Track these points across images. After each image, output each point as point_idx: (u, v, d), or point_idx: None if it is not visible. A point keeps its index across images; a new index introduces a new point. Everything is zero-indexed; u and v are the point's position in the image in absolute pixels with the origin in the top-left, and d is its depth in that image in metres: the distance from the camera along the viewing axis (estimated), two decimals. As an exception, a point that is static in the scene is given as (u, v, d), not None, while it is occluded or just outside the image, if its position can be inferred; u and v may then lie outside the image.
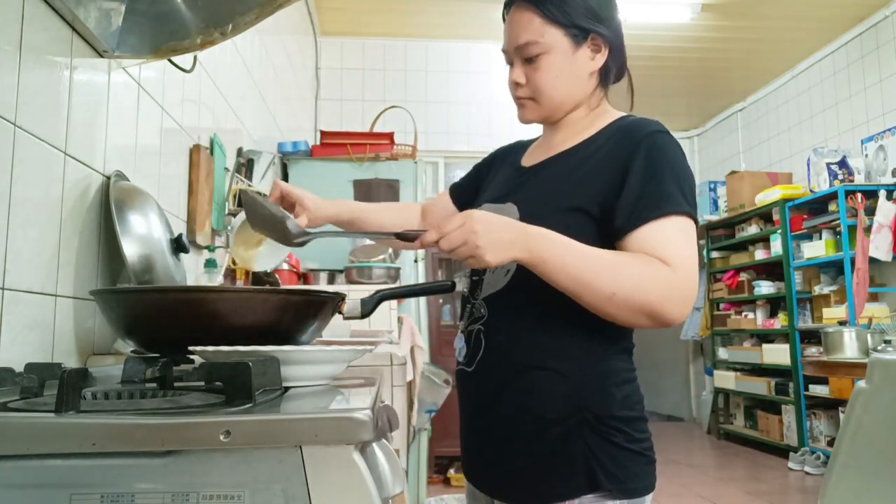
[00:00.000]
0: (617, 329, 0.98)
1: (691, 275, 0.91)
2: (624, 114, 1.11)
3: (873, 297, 4.42)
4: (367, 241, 2.91)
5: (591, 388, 0.96)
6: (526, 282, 0.97)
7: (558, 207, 1.00)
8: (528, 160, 1.16)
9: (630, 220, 0.94)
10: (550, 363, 0.98)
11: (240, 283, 2.08)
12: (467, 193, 1.28)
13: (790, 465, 4.61)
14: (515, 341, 1.01)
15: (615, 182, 0.97)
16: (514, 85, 1.08)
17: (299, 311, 1.02)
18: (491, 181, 1.21)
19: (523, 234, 0.90)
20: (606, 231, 0.97)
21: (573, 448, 0.95)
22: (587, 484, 0.94)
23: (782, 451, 4.92)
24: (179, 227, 1.83)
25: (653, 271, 0.90)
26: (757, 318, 5.42)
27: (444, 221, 0.90)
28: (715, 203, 6.12)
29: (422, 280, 3.48)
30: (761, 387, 5.22)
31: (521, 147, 1.23)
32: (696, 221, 0.96)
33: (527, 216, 0.99)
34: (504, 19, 1.09)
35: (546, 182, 1.06)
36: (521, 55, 1.05)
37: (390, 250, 2.87)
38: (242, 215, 1.18)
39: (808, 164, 4.95)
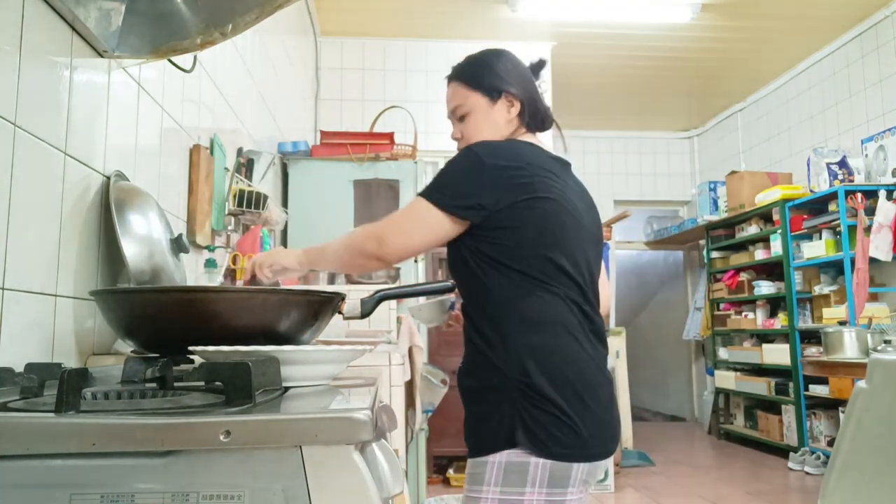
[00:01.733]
0: (534, 304, 1.17)
1: (382, 224, 1.24)
2: (517, 141, 1.35)
3: (873, 297, 4.42)
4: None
5: (513, 359, 1.14)
6: (465, 299, 1.27)
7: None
8: None
9: None
10: (477, 344, 1.20)
11: (240, 283, 2.08)
12: None
13: (790, 465, 4.61)
14: (465, 341, 1.26)
15: None
16: (454, 139, 1.39)
17: (299, 311, 1.02)
18: None
19: (288, 251, 1.35)
20: None
21: (502, 409, 1.13)
22: (509, 439, 1.11)
23: (782, 451, 4.92)
24: (179, 227, 1.83)
25: (355, 232, 1.28)
26: (757, 318, 5.42)
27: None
28: (715, 203, 6.12)
29: (422, 280, 3.48)
30: (761, 387, 5.22)
31: None
32: (435, 203, 1.20)
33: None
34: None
35: None
36: (455, 116, 1.37)
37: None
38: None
39: (808, 164, 4.95)
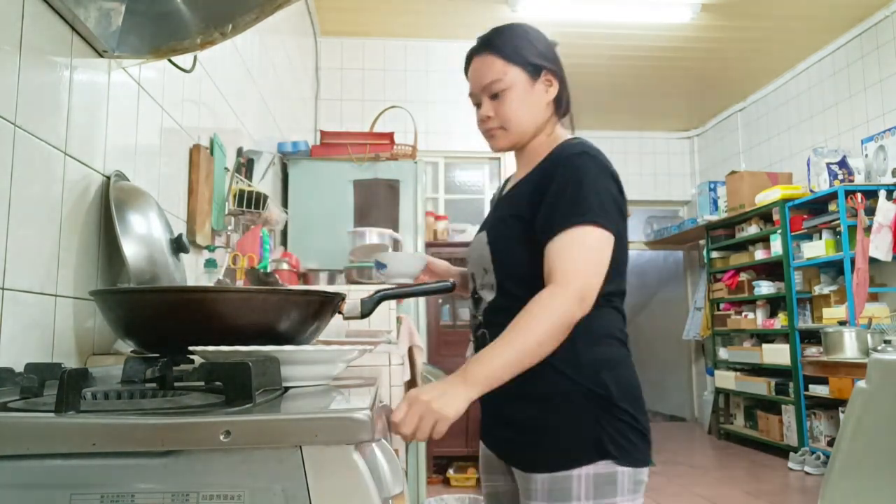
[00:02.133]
0: (602, 321, 1.14)
1: (573, 278, 1.06)
2: (569, 137, 1.26)
3: (873, 297, 4.42)
4: (367, 242, 2.92)
5: (589, 373, 1.11)
6: (506, 292, 1.18)
7: (509, 224, 1.20)
8: (507, 189, 1.34)
9: (542, 237, 1.12)
10: (548, 359, 1.07)
11: (240, 283, 2.08)
12: None
13: (790, 465, 4.61)
14: None
15: (537, 199, 1.15)
16: (485, 119, 1.25)
17: (299, 311, 1.02)
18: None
19: (461, 377, 1.02)
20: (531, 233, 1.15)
21: (582, 422, 1.09)
22: (597, 451, 1.08)
23: (782, 451, 4.92)
24: (179, 227, 1.83)
25: (541, 305, 1.05)
26: (757, 318, 5.42)
27: (394, 413, 0.97)
28: (715, 203, 6.12)
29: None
30: (761, 387, 5.22)
31: (508, 180, 1.40)
32: (600, 224, 1.09)
33: (491, 240, 1.22)
34: (466, 71, 1.27)
35: (506, 207, 1.25)
36: (487, 93, 1.23)
37: (390, 250, 2.87)
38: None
39: (808, 164, 4.95)
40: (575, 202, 1.10)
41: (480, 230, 1.30)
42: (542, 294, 1.06)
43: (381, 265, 1.38)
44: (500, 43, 1.22)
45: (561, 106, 1.26)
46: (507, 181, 1.40)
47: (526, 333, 1.03)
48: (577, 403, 1.10)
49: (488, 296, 1.22)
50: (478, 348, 1.23)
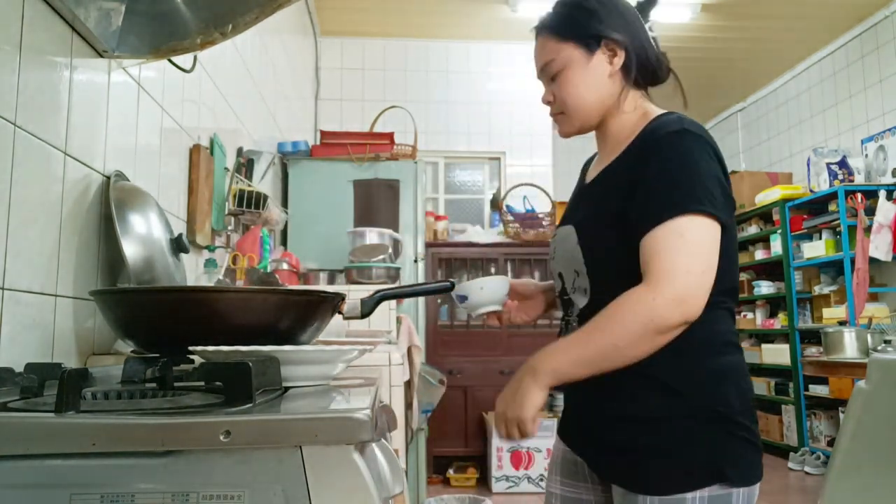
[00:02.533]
0: (716, 327, 1.03)
1: (669, 278, 0.94)
2: (661, 112, 1.13)
3: (873, 297, 4.42)
4: (367, 242, 2.92)
5: (706, 389, 1.00)
6: (602, 294, 1.04)
7: (605, 222, 1.06)
8: (590, 175, 1.20)
9: (639, 231, 0.99)
10: (654, 372, 1.00)
11: (240, 284, 2.08)
12: None
13: (790, 465, 4.61)
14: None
15: (630, 188, 1.02)
16: (547, 104, 1.16)
17: (299, 311, 1.02)
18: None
19: (531, 371, 0.99)
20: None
21: (698, 443, 0.99)
22: (714, 475, 0.98)
23: (782, 451, 4.92)
24: (179, 227, 1.83)
25: (622, 306, 0.96)
26: (757, 318, 5.42)
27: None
28: (715, 203, 6.12)
29: (421, 280, 3.48)
30: (761, 387, 5.22)
31: (591, 161, 1.26)
32: (707, 213, 0.96)
33: (582, 239, 1.08)
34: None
35: (596, 198, 1.12)
36: (545, 76, 1.14)
37: (390, 250, 2.87)
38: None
39: (808, 164, 4.95)
40: (675, 188, 0.97)
41: (564, 222, 1.16)
42: (628, 293, 0.95)
43: (462, 298, 1.22)
44: (552, 21, 1.13)
45: (632, 72, 1.11)
46: (587, 164, 1.25)
47: (601, 334, 0.96)
48: (693, 423, 0.99)
49: (581, 300, 1.10)
50: None
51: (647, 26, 1.13)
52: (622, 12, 1.11)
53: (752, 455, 1.01)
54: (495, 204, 4.86)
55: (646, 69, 1.13)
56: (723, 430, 0.99)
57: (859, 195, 4.41)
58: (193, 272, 1.90)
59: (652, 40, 1.13)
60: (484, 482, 4.10)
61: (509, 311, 1.23)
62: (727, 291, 1.05)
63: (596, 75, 1.10)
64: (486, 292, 1.21)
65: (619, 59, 1.10)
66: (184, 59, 1.68)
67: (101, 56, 1.34)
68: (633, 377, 0.99)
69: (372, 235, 2.96)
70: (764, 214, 5.37)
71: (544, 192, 4.63)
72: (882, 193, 4.31)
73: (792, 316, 4.94)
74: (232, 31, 1.33)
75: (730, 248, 1.02)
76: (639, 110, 1.14)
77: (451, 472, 4.16)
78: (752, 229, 5.48)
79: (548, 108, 1.17)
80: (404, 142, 3.65)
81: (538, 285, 1.29)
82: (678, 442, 0.99)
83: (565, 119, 1.14)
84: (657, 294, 0.93)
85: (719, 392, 1.00)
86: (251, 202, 2.30)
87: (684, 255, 0.95)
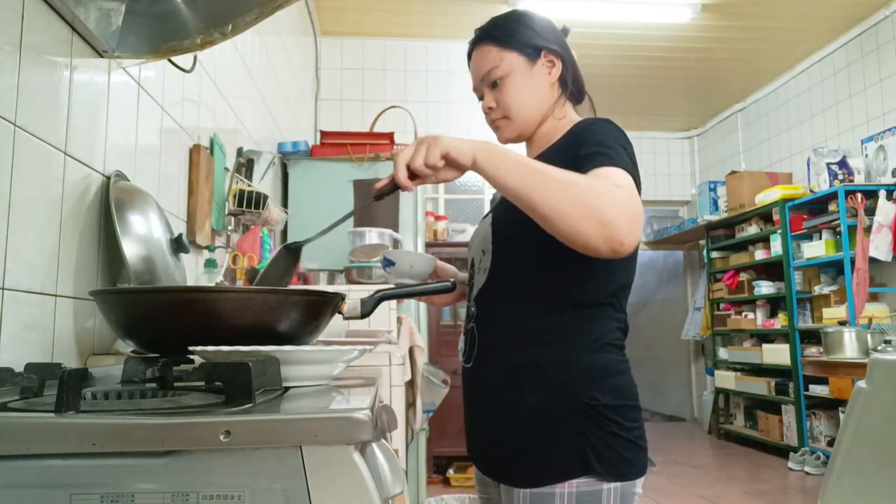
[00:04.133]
0: (599, 326, 1.07)
1: (637, 201, 0.95)
2: (585, 118, 1.19)
3: (873, 297, 4.42)
4: (367, 242, 2.92)
5: (579, 382, 1.04)
6: (499, 274, 1.10)
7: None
8: None
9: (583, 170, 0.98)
10: (539, 360, 1.06)
11: (240, 284, 2.08)
12: None
13: (790, 465, 4.61)
14: (503, 339, 1.10)
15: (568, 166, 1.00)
16: (488, 111, 1.20)
17: (299, 311, 1.02)
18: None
19: (475, 143, 0.98)
20: None
21: (567, 435, 1.02)
22: (580, 466, 1.02)
23: (782, 451, 4.92)
24: (179, 227, 1.83)
25: (601, 183, 0.93)
26: (757, 318, 5.42)
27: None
28: (715, 203, 6.12)
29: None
30: (761, 387, 5.22)
31: None
32: (636, 180, 1.00)
33: (495, 218, 1.15)
34: (469, 66, 1.23)
35: None
36: (487, 83, 1.19)
37: (390, 250, 2.87)
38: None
39: (808, 164, 4.95)
40: (606, 153, 0.99)
41: (483, 218, 1.24)
42: (604, 178, 0.95)
43: (388, 262, 1.29)
44: (494, 30, 1.18)
45: (567, 87, 1.18)
46: None
47: (560, 173, 0.93)
48: (564, 415, 1.03)
49: (481, 280, 1.15)
50: (468, 344, 1.17)
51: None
52: (555, 31, 1.20)
53: (624, 450, 1.03)
54: (495, 204, 4.85)
55: (576, 83, 1.21)
56: (592, 424, 1.02)
57: (859, 195, 4.41)
58: (193, 272, 1.90)
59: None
60: (484, 482, 4.10)
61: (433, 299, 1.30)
62: (617, 291, 1.09)
63: (537, 83, 1.17)
64: (414, 268, 1.28)
65: (557, 71, 1.18)
66: (184, 59, 1.68)
67: (101, 56, 1.34)
68: (525, 369, 1.05)
69: (372, 235, 2.96)
70: (764, 214, 5.37)
71: (544, 192, 4.62)
72: (882, 193, 4.32)
73: (792, 316, 4.94)
74: (232, 31, 1.33)
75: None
76: (567, 118, 1.21)
77: (451, 472, 4.16)
78: (752, 229, 5.48)
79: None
80: (404, 142, 3.64)
81: (457, 274, 1.36)
82: (549, 435, 1.03)
83: (507, 124, 1.19)
84: (625, 199, 0.92)
85: (590, 387, 1.03)
86: (251, 202, 2.30)
87: (635, 191, 0.96)
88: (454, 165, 0.98)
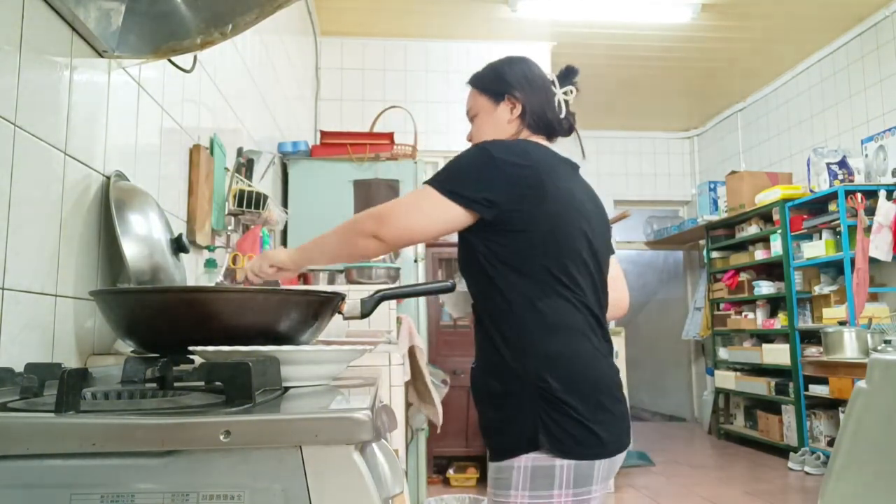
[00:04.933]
0: (551, 311, 1.19)
1: (390, 206, 1.23)
2: (527, 140, 1.38)
3: (873, 297, 4.42)
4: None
5: (530, 367, 1.17)
6: (476, 300, 1.29)
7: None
8: None
9: None
10: (492, 348, 1.22)
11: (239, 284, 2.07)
12: None
13: (790, 465, 4.61)
14: (478, 342, 1.29)
15: None
16: (468, 140, 1.43)
17: (299, 311, 1.02)
18: None
19: (291, 249, 1.36)
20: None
21: (524, 414, 1.15)
22: (530, 443, 1.14)
23: (782, 451, 4.92)
24: (179, 227, 1.83)
25: (358, 214, 1.27)
26: (757, 318, 5.42)
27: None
28: (715, 203, 6.12)
29: (422, 280, 3.48)
30: (761, 387, 5.22)
31: None
32: (441, 191, 1.21)
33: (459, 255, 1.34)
34: None
35: None
36: (469, 117, 1.46)
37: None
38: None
39: (808, 164, 4.95)
40: (437, 172, 1.25)
41: None
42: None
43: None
44: (476, 78, 1.46)
45: (528, 120, 1.38)
46: None
47: (333, 231, 1.30)
48: (523, 397, 1.16)
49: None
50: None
51: (565, 90, 1.40)
52: (530, 80, 1.40)
53: (575, 431, 1.13)
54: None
55: (540, 122, 1.38)
56: (545, 405, 1.14)
57: (859, 195, 4.41)
58: (193, 272, 1.90)
59: (558, 103, 1.39)
60: (484, 482, 4.10)
61: None
62: (559, 280, 1.20)
63: (498, 120, 1.39)
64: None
65: (517, 111, 1.38)
66: (184, 59, 1.68)
67: (101, 56, 1.34)
68: (489, 357, 1.22)
69: (372, 235, 2.95)
70: (764, 214, 5.36)
71: (544, 192, 4.61)
72: (882, 193, 4.32)
73: (792, 316, 4.94)
74: (232, 31, 1.33)
75: (552, 234, 1.20)
76: None
77: (451, 472, 4.16)
78: (752, 229, 5.48)
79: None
80: (404, 142, 3.65)
81: None
82: (512, 413, 1.17)
83: None
84: (372, 209, 1.24)
85: (544, 372, 1.15)
86: (251, 202, 2.30)
87: (403, 199, 1.25)
88: (284, 269, 1.33)
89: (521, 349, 1.18)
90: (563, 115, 1.40)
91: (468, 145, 1.33)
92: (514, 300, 1.19)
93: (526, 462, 1.14)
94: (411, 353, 2.64)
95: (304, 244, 1.34)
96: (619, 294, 1.41)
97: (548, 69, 1.56)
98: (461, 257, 1.29)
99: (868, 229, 4.27)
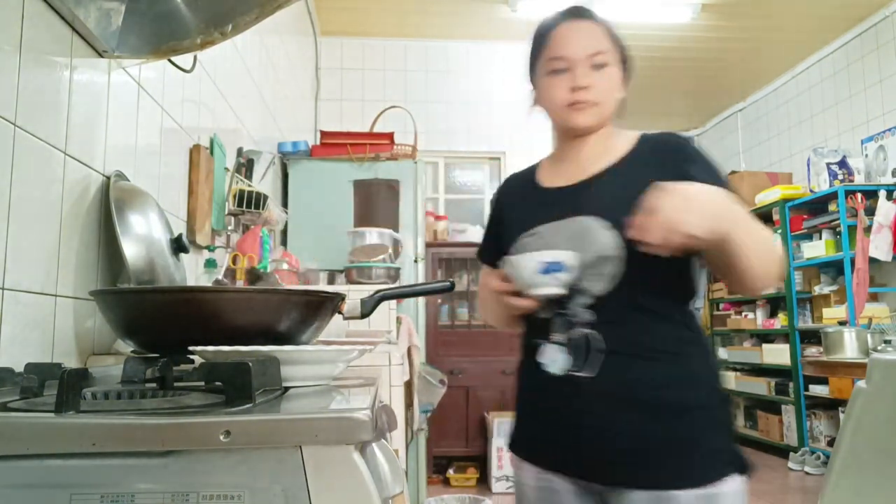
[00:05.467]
0: (699, 330, 1.14)
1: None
2: (635, 132, 1.21)
3: (873, 297, 4.41)
4: (367, 242, 2.92)
5: (715, 379, 1.10)
6: (634, 283, 1.06)
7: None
8: (555, 180, 1.21)
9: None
10: (675, 356, 1.07)
11: (240, 284, 2.08)
12: (497, 248, 1.25)
13: (790, 465, 4.61)
14: (638, 341, 1.07)
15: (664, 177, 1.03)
16: (582, 89, 1.12)
17: (299, 311, 1.02)
18: (514, 217, 1.22)
19: (712, 203, 0.99)
20: None
21: (720, 431, 1.05)
22: (739, 466, 1.03)
23: (782, 451, 4.92)
24: (179, 227, 1.83)
25: (769, 234, 1.10)
26: (757, 318, 5.42)
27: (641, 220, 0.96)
28: (715, 203, 6.12)
29: (421, 280, 3.48)
30: (761, 387, 5.22)
31: (522, 178, 1.28)
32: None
33: (617, 225, 1.06)
34: (545, 37, 1.19)
35: (617, 191, 1.11)
36: (590, 62, 1.13)
37: (390, 250, 2.87)
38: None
39: (808, 164, 4.95)
40: (726, 183, 1.11)
41: (544, 220, 1.15)
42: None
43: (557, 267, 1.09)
44: (603, 19, 1.19)
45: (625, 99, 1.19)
46: (523, 177, 1.27)
47: (764, 233, 1.07)
48: (712, 411, 1.06)
49: (597, 286, 1.07)
50: (573, 351, 1.08)
51: None
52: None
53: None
54: (495, 204, 4.84)
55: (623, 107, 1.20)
56: (729, 420, 1.10)
57: (859, 195, 4.41)
58: (193, 272, 1.90)
59: None
60: (484, 482, 4.10)
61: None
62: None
63: (619, 88, 1.16)
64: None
65: (626, 85, 1.19)
66: (184, 59, 1.68)
67: (101, 56, 1.34)
68: (672, 366, 1.06)
69: (372, 235, 2.96)
70: (764, 214, 5.36)
71: (544, 192, 4.61)
72: (882, 193, 4.31)
73: (792, 316, 4.94)
74: (232, 31, 1.33)
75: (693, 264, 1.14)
76: (611, 128, 1.21)
77: (451, 472, 4.16)
78: (752, 229, 5.47)
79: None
80: (404, 142, 3.65)
81: None
82: (701, 430, 1.04)
83: (595, 110, 1.14)
84: (776, 244, 1.10)
85: (722, 384, 1.12)
86: (251, 202, 2.30)
87: (764, 232, 1.10)
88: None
89: (705, 358, 1.10)
90: None
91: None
92: (695, 311, 1.15)
93: (734, 486, 1.01)
94: (408, 353, 2.64)
95: (732, 214, 1.00)
96: None
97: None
98: (660, 259, 1.01)
99: (868, 229, 4.27)
